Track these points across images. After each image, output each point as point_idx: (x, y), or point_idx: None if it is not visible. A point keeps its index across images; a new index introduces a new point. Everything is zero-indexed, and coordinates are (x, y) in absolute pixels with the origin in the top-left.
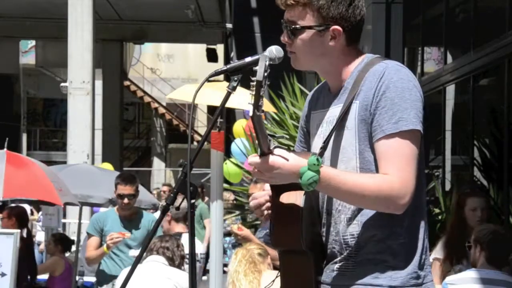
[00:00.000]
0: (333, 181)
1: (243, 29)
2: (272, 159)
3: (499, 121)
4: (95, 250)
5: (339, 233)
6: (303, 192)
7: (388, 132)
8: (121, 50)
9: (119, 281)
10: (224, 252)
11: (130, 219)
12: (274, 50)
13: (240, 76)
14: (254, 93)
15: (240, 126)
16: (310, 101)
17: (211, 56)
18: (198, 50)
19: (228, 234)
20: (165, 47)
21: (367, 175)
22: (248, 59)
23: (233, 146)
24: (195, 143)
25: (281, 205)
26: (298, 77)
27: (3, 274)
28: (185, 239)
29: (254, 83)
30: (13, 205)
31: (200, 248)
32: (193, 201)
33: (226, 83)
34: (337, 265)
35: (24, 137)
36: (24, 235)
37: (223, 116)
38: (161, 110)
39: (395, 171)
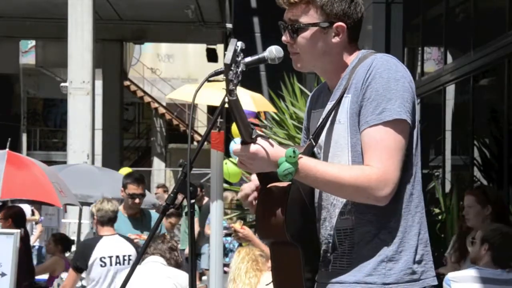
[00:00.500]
0: (310, 173)
1: (243, 29)
2: (253, 148)
3: (499, 121)
4: None
5: (333, 228)
6: (290, 183)
7: (372, 123)
8: (121, 50)
9: (118, 282)
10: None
11: (135, 218)
12: (274, 50)
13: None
14: (225, 77)
15: (235, 125)
16: (311, 101)
17: (211, 56)
18: (198, 50)
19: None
20: (165, 47)
21: (346, 166)
22: (248, 59)
23: (231, 146)
24: (195, 143)
25: (267, 196)
26: (298, 77)
27: (3, 274)
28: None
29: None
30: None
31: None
32: (193, 201)
33: None
34: (331, 263)
35: (24, 137)
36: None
37: (223, 116)
38: (161, 110)
39: (376, 162)
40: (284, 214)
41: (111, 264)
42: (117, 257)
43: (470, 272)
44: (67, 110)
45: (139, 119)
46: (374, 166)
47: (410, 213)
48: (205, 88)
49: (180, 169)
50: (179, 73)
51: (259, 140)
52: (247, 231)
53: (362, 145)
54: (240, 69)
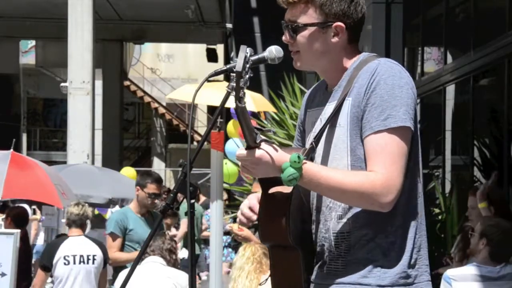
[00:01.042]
0: (314, 178)
1: (243, 29)
2: (258, 153)
3: (499, 121)
4: (120, 251)
5: (329, 230)
6: (292, 187)
7: (376, 129)
8: (121, 50)
9: (118, 282)
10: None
11: (146, 217)
12: (274, 50)
13: None
14: (234, 84)
15: (231, 126)
16: (307, 100)
17: (211, 56)
18: (198, 50)
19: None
20: (165, 47)
21: (351, 172)
22: None
23: (226, 146)
24: (195, 143)
25: (269, 200)
26: (298, 77)
27: (3, 274)
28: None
29: (234, 74)
30: (11, 205)
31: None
32: (192, 201)
33: (226, 83)
34: (327, 264)
35: (24, 137)
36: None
37: (223, 116)
38: (161, 110)
39: (380, 168)
40: (287, 221)
41: (74, 263)
42: (81, 256)
43: (469, 270)
44: (67, 110)
45: (139, 119)
46: (378, 172)
47: (407, 217)
48: (205, 88)
49: (180, 169)
50: (179, 73)
51: (263, 145)
52: (246, 232)
53: (366, 150)
54: (248, 75)
